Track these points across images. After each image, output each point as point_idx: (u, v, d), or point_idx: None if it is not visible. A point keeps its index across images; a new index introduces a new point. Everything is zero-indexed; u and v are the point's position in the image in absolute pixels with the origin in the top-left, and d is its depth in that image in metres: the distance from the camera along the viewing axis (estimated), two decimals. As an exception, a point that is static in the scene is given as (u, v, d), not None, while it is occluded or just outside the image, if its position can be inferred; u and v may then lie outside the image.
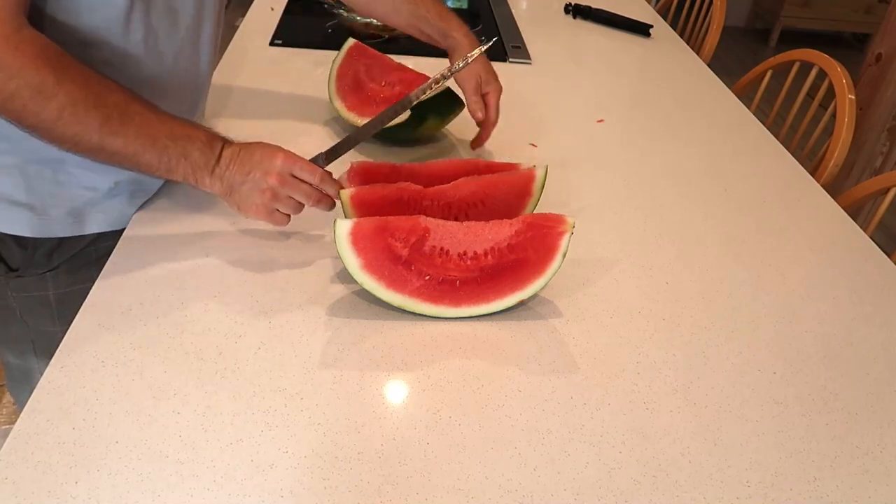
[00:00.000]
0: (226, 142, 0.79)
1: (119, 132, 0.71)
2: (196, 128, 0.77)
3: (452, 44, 1.03)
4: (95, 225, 0.87)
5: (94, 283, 0.78)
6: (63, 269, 0.88)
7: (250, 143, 0.79)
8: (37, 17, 0.72)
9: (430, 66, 1.37)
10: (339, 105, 1.09)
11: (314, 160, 0.83)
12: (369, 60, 1.14)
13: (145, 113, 0.73)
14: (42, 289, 0.89)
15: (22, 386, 1.01)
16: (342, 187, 0.84)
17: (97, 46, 0.77)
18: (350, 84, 1.12)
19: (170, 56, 0.84)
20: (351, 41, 1.14)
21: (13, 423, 0.61)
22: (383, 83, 1.11)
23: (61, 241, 0.86)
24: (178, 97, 0.88)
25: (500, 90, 1.03)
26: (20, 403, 1.07)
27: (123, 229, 0.87)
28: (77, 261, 0.88)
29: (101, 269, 0.81)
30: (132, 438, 0.61)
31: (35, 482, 0.57)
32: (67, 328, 0.72)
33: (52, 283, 0.89)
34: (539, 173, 0.88)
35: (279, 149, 0.79)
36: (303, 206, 0.81)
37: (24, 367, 0.98)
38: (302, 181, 0.79)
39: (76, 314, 0.74)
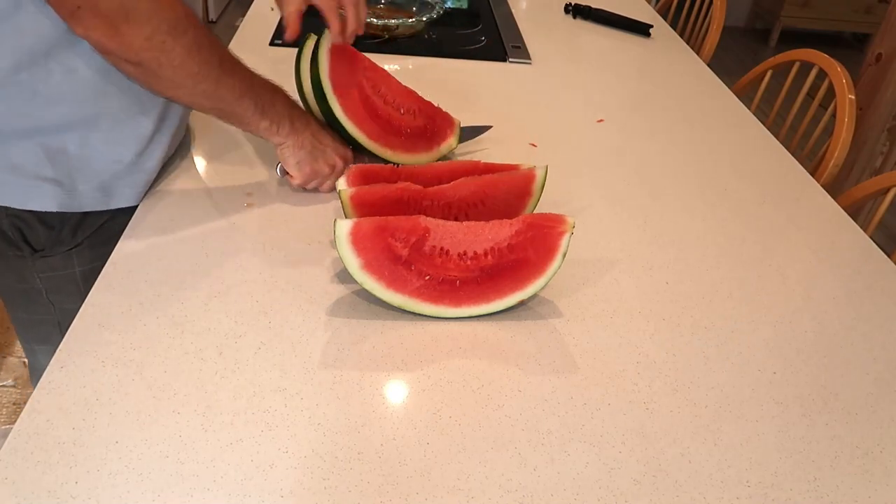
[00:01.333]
0: (300, 107, 0.90)
1: (232, 71, 0.79)
2: (273, 82, 0.86)
3: None
4: (122, 199, 0.88)
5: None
6: (86, 244, 0.90)
7: (322, 122, 0.93)
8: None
9: (430, 67, 1.38)
10: (356, 131, 0.94)
11: None
12: (369, 73, 0.99)
13: (239, 61, 0.81)
14: (68, 266, 0.90)
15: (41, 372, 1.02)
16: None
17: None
18: (359, 103, 0.96)
19: None
20: (325, 40, 0.94)
21: (13, 423, 0.61)
22: (402, 111, 1.00)
23: (85, 217, 0.87)
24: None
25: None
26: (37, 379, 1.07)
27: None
28: (99, 235, 0.89)
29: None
30: (132, 438, 0.61)
31: (35, 482, 0.57)
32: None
33: (78, 260, 0.90)
34: (539, 173, 0.89)
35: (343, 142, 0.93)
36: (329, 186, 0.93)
37: (49, 352, 0.98)
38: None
39: None
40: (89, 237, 0.89)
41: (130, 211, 0.88)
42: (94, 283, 0.77)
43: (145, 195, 0.91)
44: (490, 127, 1.07)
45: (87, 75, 0.78)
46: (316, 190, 0.95)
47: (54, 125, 0.80)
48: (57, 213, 0.85)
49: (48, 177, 0.82)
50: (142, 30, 0.69)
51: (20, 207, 0.83)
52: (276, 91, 0.86)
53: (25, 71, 0.75)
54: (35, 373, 1.04)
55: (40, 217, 0.85)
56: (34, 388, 1.04)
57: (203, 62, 0.75)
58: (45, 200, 0.84)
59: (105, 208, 0.88)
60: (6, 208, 0.84)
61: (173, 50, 0.72)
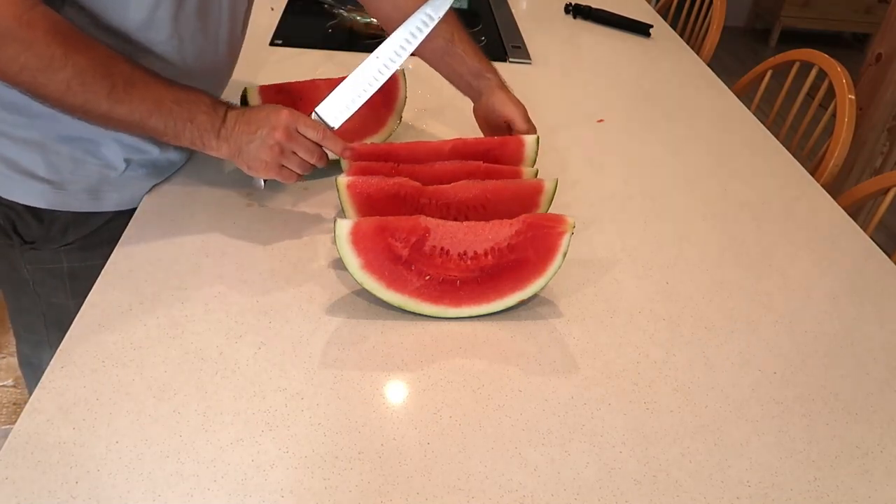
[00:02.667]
0: (229, 105, 0.82)
1: (125, 99, 0.74)
2: (200, 93, 0.80)
3: (484, 85, 1.00)
4: (111, 203, 0.89)
5: (106, 259, 0.80)
6: (77, 245, 0.90)
7: (251, 107, 0.82)
8: (63, 10, 0.74)
9: (430, 67, 1.38)
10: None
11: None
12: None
13: (150, 80, 0.76)
14: (56, 262, 0.91)
15: (31, 361, 1.03)
16: (346, 145, 0.85)
17: (121, 43, 0.79)
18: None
19: (191, 57, 0.86)
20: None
21: (13, 423, 0.61)
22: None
23: (76, 218, 0.88)
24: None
25: (521, 118, 0.99)
26: (28, 381, 1.08)
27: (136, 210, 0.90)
28: (92, 239, 0.90)
29: (113, 248, 0.83)
30: (132, 438, 0.61)
31: (35, 482, 0.57)
32: (78, 301, 0.74)
33: (66, 258, 0.91)
34: (548, 186, 0.88)
35: (282, 107, 0.81)
36: (309, 165, 0.84)
37: (34, 340, 1.00)
38: (306, 138, 0.82)
39: (87, 288, 0.75)
40: (81, 239, 0.90)
41: (128, 215, 0.89)
42: (81, 282, 0.78)
43: (145, 195, 0.91)
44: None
45: None
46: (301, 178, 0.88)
47: (55, 133, 0.83)
48: (48, 209, 0.86)
49: (40, 175, 0.84)
50: (10, 68, 0.69)
51: (10, 199, 0.85)
52: (195, 105, 0.78)
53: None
54: (22, 358, 1.05)
55: (32, 211, 0.86)
56: (22, 372, 1.05)
57: (87, 94, 0.72)
58: (34, 196, 0.85)
59: (93, 210, 0.88)
60: None
61: (47, 86, 0.71)
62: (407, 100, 1.08)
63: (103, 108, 0.74)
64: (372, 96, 0.90)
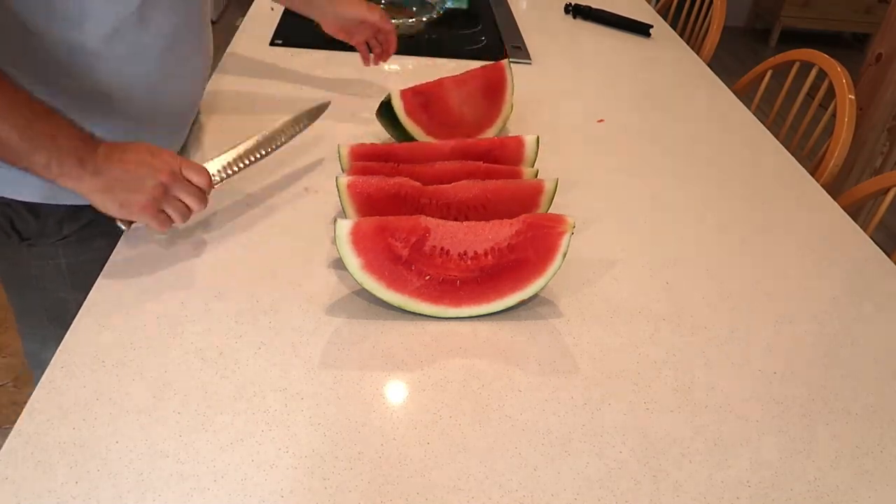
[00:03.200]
0: (97, 138, 0.73)
1: None
2: (68, 119, 0.71)
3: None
4: None
5: (102, 252, 0.80)
6: (73, 238, 0.90)
7: (128, 144, 0.74)
8: (20, 28, 0.73)
9: (430, 67, 1.38)
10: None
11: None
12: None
13: (10, 90, 0.67)
14: (54, 257, 0.91)
15: (40, 358, 1.03)
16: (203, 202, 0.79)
17: (80, 62, 0.78)
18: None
19: (154, 77, 0.86)
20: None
21: (13, 423, 0.61)
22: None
23: (71, 211, 0.88)
24: (162, 122, 0.90)
25: (378, 19, 1.10)
26: (36, 374, 1.08)
27: None
28: (86, 231, 0.90)
29: (109, 240, 0.83)
30: (132, 438, 0.61)
31: (35, 482, 0.57)
32: (77, 295, 0.74)
33: (63, 252, 0.91)
34: (548, 186, 0.88)
35: (164, 149, 0.75)
36: (188, 212, 0.77)
37: (41, 337, 1.00)
38: (191, 183, 0.76)
39: (86, 282, 0.75)
40: (76, 232, 0.90)
41: None
42: (80, 276, 0.78)
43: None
44: (328, 103, 1.02)
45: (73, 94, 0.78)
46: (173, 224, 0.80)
47: None
48: (43, 204, 0.86)
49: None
50: None
51: (8, 196, 0.85)
52: (55, 121, 0.70)
53: None
54: (29, 358, 1.06)
55: (28, 206, 0.86)
56: (31, 368, 1.06)
57: None
58: (31, 191, 0.85)
59: (87, 203, 0.88)
60: None
61: None
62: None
63: None
64: (482, 90, 1.05)
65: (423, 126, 1.04)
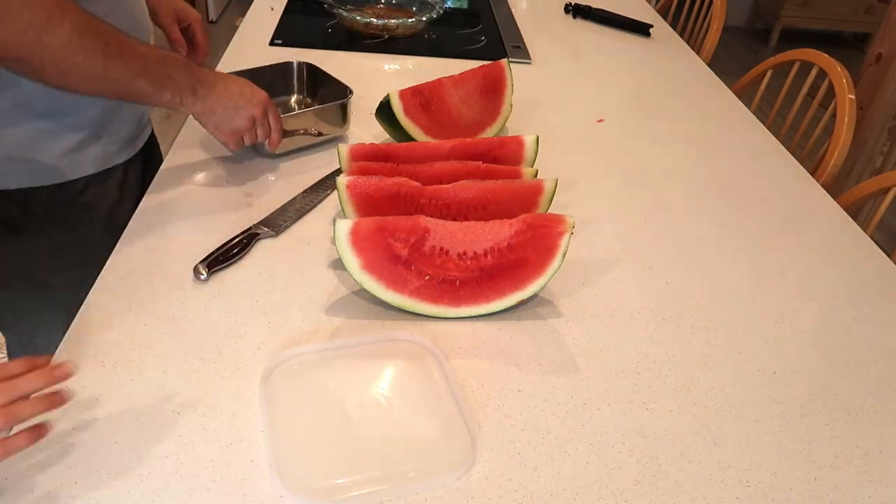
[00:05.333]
0: (205, 67, 0.86)
1: (118, 56, 0.75)
2: (171, 52, 0.84)
3: None
4: (79, 169, 0.90)
5: (91, 229, 0.83)
6: (58, 219, 0.91)
7: (229, 76, 0.90)
8: None
9: (430, 67, 1.37)
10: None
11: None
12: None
13: (131, 40, 0.78)
14: (44, 242, 0.92)
15: (35, 344, 1.03)
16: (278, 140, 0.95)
17: None
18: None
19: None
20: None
21: (13, 423, 0.61)
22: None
23: (57, 189, 0.89)
24: None
25: (199, 18, 1.11)
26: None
27: (107, 173, 0.93)
28: (73, 209, 0.91)
29: (93, 217, 0.87)
30: (132, 438, 0.61)
31: (35, 482, 0.57)
32: (71, 276, 0.76)
33: (55, 236, 0.92)
34: (548, 186, 0.88)
35: (257, 87, 0.90)
36: (264, 139, 0.93)
37: (37, 321, 1.00)
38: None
39: (78, 261, 0.77)
40: (63, 210, 0.91)
41: (100, 179, 0.91)
42: (70, 257, 0.78)
43: (144, 194, 0.91)
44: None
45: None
46: (255, 147, 0.99)
47: (21, 113, 0.83)
48: (26, 188, 0.87)
49: (12, 156, 0.85)
50: (13, 26, 0.68)
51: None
52: (173, 64, 0.82)
53: None
54: (23, 348, 1.05)
55: (9, 196, 0.87)
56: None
57: (86, 51, 0.73)
58: (11, 179, 0.86)
59: (71, 178, 0.89)
60: None
61: (51, 44, 0.70)
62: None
63: (99, 67, 0.74)
64: (481, 89, 1.10)
65: (422, 126, 1.04)
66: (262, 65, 1.11)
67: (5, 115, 0.82)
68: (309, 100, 1.15)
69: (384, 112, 1.04)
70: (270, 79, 1.09)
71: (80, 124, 0.88)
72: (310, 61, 1.14)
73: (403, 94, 1.03)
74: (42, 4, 0.69)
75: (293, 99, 1.15)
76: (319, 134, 1.04)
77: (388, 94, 1.04)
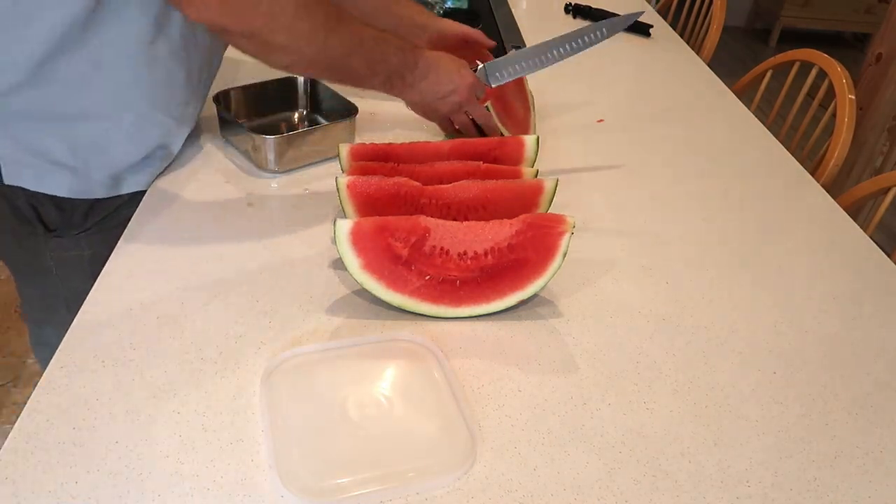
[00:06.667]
0: (416, 50, 0.87)
1: (337, 29, 0.78)
2: (389, 33, 0.83)
3: (427, 17, 1.05)
4: (129, 186, 0.91)
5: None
6: (95, 229, 0.91)
7: (439, 57, 0.90)
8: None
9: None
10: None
11: (477, 72, 0.95)
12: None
13: (346, 15, 0.79)
14: (77, 248, 0.92)
15: (50, 342, 1.03)
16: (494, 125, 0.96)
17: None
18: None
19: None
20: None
21: (13, 423, 0.61)
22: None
23: (95, 203, 0.89)
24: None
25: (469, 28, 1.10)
26: (43, 363, 1.08)
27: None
28: (109, 221, 0.91)
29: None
30: (132, 438, 0.61)
31: (35, 482, 0.57)
32: None
33: (87, 243, 0.92)
34: (548, 185, 0.88)
35: (465, 68, 0.90)
36: (471, 127, 0.94)
37: (57, 322, 0.99)
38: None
39: None
40: (99, 222, 0.91)
41: (137, 199, 0.91)
42: (101, 266, 0.78)
43: (145, 192, 0.91)
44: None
45: (113, 70, 0.80)
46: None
47: (78, 115, 0.83)
48: (67, 198, 0.87)
49: (65, 163, 0.85)
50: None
51: (34, 189, 0.86)
52: (385, 43, 0.83)
53: (53, 61, 0.76)
54: (39, 349, 1.06)
55: (53, 198, 0.87)
56: (38, 362, 1.05)
57: (311, 19, 0.75)
58: (58, 185, 0.86)
59: (114, 194, 0.90)
60: (23, 189, 0.86)
61: (282, 13, 0.73)
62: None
63: (321, 39, 0.76)
64: (512, 104, 1.06)
65: (507, 126, 1.08)
66: (268, 79, 1.10)
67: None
68: (314, 115, 1.14)
69: (478, 125, 1.06)
70: (275, 94, 1.09)
71: (135, 153, 0.89)
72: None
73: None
74: None
75: (296, 115, 1.13)
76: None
77: (485, 105, 1.06)
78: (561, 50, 0.94)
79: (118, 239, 0.82)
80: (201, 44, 0.88)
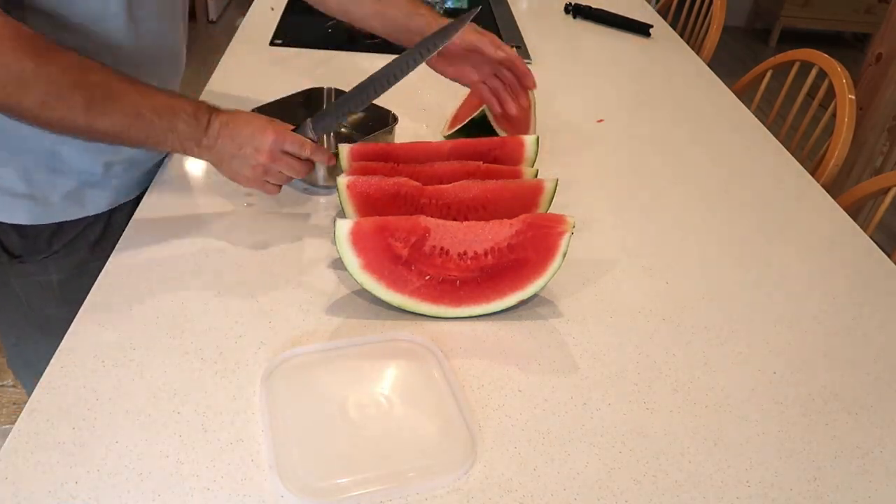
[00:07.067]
0: (212, 111, 0.79)
1: (105, 111, 0.72)
2: (180, 99, 0.78)
3: (420, 22, 0.97)
4: (94, 206, 0.89)
5: (93, 264, 0.80)
6: (63, 252, 0.90)
7: (237, 115, 0.80)
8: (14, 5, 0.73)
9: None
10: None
11: (300, 129, 0.84)
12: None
13: (128, 89, 0.74)
14: (44, 273, 0.91)
15: (27, 371, 1.02)
16: (331, 155, 0.85)
17: (76, 32, 0.78)
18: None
19: (148, 37, 0.85)
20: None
21: (13, 423, 0.61)
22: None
23: (60, 226, 0.88)
24: (155, 75, 0.88)
25: (515, 55, 0.99)
26: (27, 387, 1.08)
27: (119, 209, 0.90)
28: (76, 243, 0.90)
29: (99, 251, 0.83)
30: (132, 438, 0.61)
31: (35, 482, 0.57)
32: (71, 308, 0.73)
33: (54, 268, 0.91)
34: (548, 186, 0.88)
35: (269, 124, 0.80)
36: (291, 178, 0.84)
37: (33, 349, 0.99)
38: (292, 155, 0.81)
39: (77, 295, 0.75)
40: (65, 246, 0.90)
41: (103, 219, 0.89)
42: (70, 290, 0.78)
43: (142, 195, 0.91)
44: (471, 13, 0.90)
45: None
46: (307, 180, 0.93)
47: (26, 147, 0.82)
48: (29, 225, 0.86)
49: (20, 192, 0.84)
50: None
51: None
52: (171, 111, 0.76)
53: None
54: (19, 371, 1.05)
55: (15, 227, 0.86)
56: (15, 372, 1.05)
57: (65, 107, 0.70)
58: (18, 214, 0.85)
59: (78, 217, 0.89)
60: None
61: (23, 103, 0.69)
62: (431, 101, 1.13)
63: (81, 123, 0.71)
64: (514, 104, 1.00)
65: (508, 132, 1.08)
66: (292, 92, 1.06)
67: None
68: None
69: (477, 127, 1.06)
70: (299, 106, 1.06)
71: (90, 171, 0.87)
72: (338, 87, 1.08)
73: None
74: (16, 62, 0.67)
75: None
76: None
77: (482, 109, 1.06)
78: (385, 82, 0.85)
79: (89, 262, 0.80)
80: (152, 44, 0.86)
